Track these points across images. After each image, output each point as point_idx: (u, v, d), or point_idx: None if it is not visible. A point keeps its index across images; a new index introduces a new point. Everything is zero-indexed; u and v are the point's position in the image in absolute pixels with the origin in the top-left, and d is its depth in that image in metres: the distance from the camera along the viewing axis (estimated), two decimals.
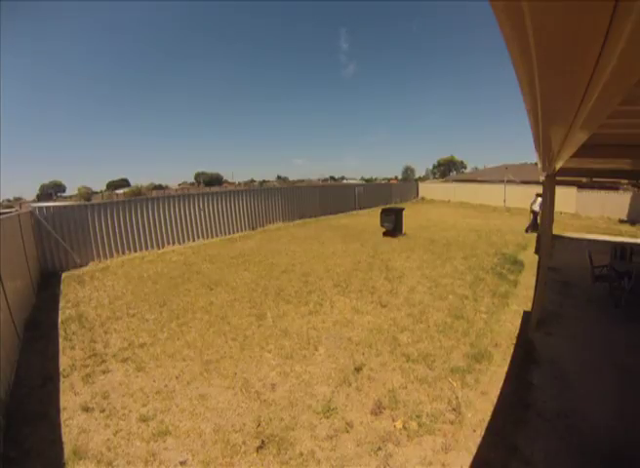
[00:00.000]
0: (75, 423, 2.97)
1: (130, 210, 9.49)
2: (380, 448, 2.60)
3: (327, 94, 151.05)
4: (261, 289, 6.24)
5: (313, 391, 3.30)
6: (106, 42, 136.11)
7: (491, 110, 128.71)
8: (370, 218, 14.64)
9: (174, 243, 10.46)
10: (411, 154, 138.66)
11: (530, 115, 1.39)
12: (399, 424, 2.83)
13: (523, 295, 5.63)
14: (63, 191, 62.90)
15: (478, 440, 2.66)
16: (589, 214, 15.83)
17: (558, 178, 4.42)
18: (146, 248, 9.83)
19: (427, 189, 25.95)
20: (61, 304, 5.82)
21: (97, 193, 50.72)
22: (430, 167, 62.41)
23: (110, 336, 4.58)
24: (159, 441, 2.74)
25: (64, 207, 8.54)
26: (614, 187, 16.32)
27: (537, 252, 8.23)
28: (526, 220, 12.24)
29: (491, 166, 33.38)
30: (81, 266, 8.34)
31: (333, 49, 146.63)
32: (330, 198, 17.33)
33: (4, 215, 5.18)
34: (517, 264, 7.52)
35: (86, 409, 3.14)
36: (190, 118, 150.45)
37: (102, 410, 3.12)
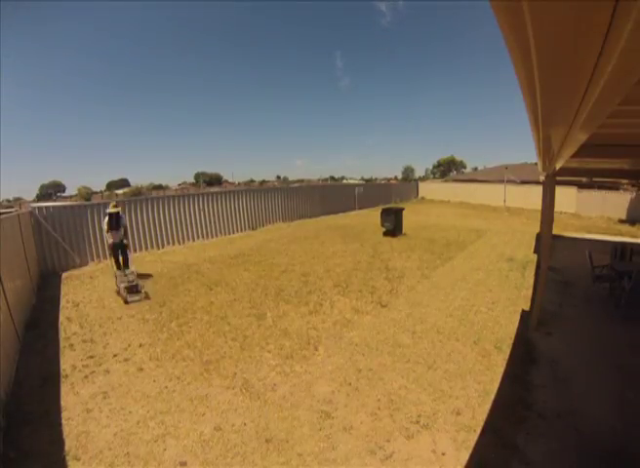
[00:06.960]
0: (75, 424, 2.97)
1: (130, 210, 9.47)
2: (380, 448, 2.60)
3: (326, 95, 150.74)
4: (261, 289, 6.24)
5: (313, 391, 3.30)
6: (106, 41, 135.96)
7: (491, 110, 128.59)
8: (370, 218, 14.63)
9: (174, 243, 10.45)
10: (411, 154, 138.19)
11: (530, 115, 1.40)
12: (399, 424, 2.83)
13: (523, 295, 5.63)
14: (63, 191, 62.71)
15: (477, 439, 2.66)
16: (589, 213, 15.83)
17: (558, 178, 4.42)
18: (146, 248, 9.83)
19: (427, 189, 25.92)
20: (61, 304, 5.82)
21: (97, 193, 50.62)
22: (430, 167, 62.24)
23: (110, 337, 4.57)
24: (159, 441, 2.74)
25: (64, 207, 8.53)
26: (614, 187, 16.32)
27: (536, 251, 8.24)
28: (525, 220, 12.24)
29: (491, 166, 33.37)
30: (81, 266, 8.33)
31: (330, 66, 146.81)
32: (330, 198, 17.30)
33: (4, 215, 5.18)
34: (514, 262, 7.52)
35: (86, 410, 3.14)
36: (190, 118, 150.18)
37: (102, 411, 3.12)
